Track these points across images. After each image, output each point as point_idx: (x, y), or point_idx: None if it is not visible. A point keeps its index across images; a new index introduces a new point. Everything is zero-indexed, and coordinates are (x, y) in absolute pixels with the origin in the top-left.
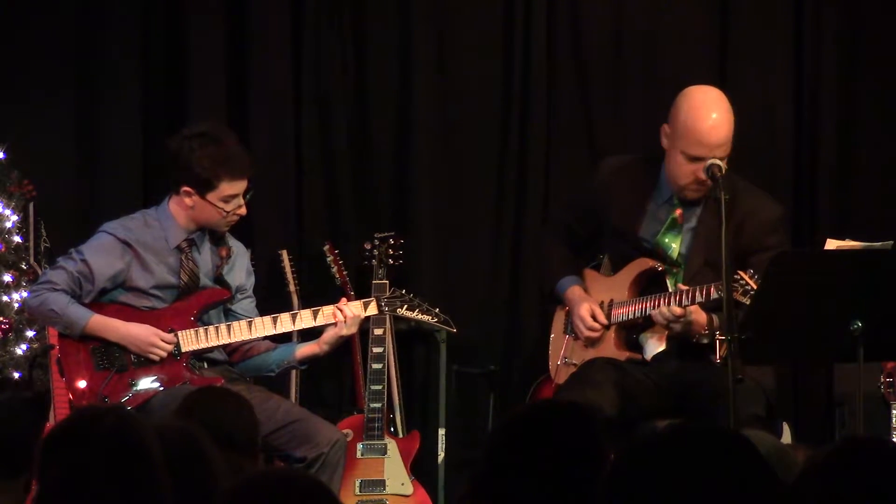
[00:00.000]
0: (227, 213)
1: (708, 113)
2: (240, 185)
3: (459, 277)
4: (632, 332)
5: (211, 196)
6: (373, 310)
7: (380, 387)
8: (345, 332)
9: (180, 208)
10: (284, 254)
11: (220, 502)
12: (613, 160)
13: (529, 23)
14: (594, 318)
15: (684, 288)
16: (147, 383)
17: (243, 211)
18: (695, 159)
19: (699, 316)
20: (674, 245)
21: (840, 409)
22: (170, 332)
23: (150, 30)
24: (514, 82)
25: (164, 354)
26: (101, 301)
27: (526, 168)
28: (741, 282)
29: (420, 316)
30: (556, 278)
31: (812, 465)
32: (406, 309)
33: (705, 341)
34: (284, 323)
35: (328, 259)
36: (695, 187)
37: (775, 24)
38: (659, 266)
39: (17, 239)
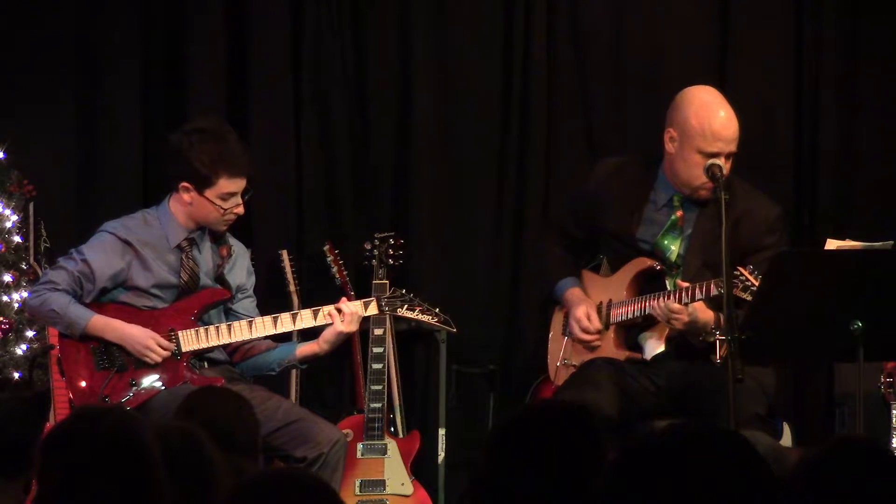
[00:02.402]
0: (225, 210)
1: (717, 109)
2: (239, 184)
3: (459, 277)
4: (632, 333)
5: (209, 193)
6: (373, 309)
7: (380, 387)
8: (344, 329)
9: (180, 205)
10: (284, 254)
11: (224, 502)
12: (609, 161)
13: (529, 23)
14: (590, 320)
15: (684, 285)
16: (147, 383)
17: (241, 210)
18: (712, 155)
19: (705, 314)
20: (673, 247)
21: (840, 409)
22: (170, 331)
23: (150, 30)
24: (514, 82)
25: (159, 359)
26: (102, 301)
27: (526, 168)
28: (741, 277)
29: (420, 316)
30: (554, 280)
31: (803, 464)
32: (406, 309)
33: (711, 339)
34: (285, 323)
35: (328, 259)
36: (710, 185)
37: (775, 24)
38: (657, 265)
39: (17, 239)
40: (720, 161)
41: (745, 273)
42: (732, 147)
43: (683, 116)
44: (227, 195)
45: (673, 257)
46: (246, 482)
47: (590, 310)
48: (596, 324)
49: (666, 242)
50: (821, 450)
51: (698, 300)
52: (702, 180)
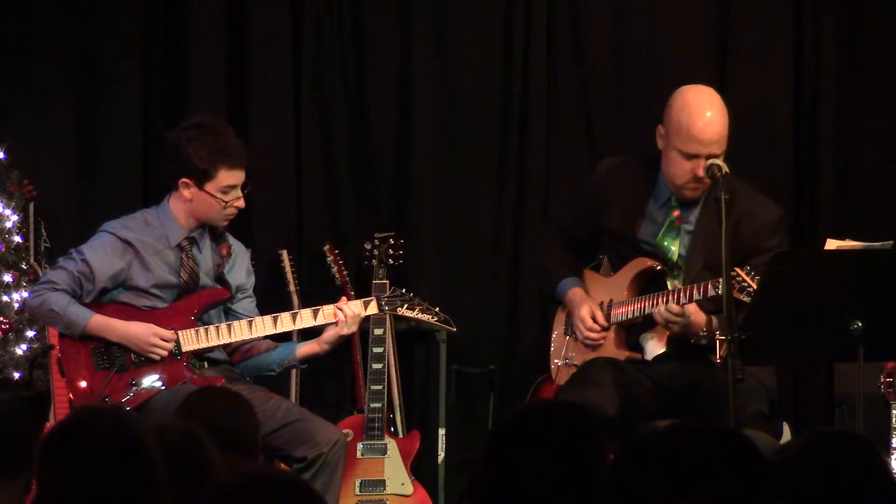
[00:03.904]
0: (226, 204)
1: (702, 110)
2: (238, 176)
3: (459, 277)
4: (632, 333)
5: (209, 186)
6: (373, 309)
7: (380, 387)
8: (345, 331)
9: (180, 203)
10: (284, 254)
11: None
12: (611, 161)
13: (529, 23)
14: (594, 319)
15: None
16: (148, 383)
17: (241, 204)
18: (690, 157)
19: (698, 317)
20: (673, 248)
21: (840, 409)
22: (170, 331)
23: (150, 30)
24: (514, 82)
25: (164, 354)
26: (102, 301)
27: (526, 168)
28: (738, 279)
29: (420, 315)
30: (556, 280)
31: (779, 459)
32: (406, 308)
33: (703, 342)
34: (285, 322)
35: (328, 259)
36: (693, 186)
37: (775, 23)
38: (657, 265)
39: (17, 239)
40: (707, 162)
41: (742, 274)
42: (713, 150)
43: (670, 115)
44: (228, 188)
45: (674, 258)
46: (226, 484)
47: (593, 308)
48: (602, 320)
49: (666, 243)
50: (796, 445)
51: (696, 301)
52: (683, 179)
